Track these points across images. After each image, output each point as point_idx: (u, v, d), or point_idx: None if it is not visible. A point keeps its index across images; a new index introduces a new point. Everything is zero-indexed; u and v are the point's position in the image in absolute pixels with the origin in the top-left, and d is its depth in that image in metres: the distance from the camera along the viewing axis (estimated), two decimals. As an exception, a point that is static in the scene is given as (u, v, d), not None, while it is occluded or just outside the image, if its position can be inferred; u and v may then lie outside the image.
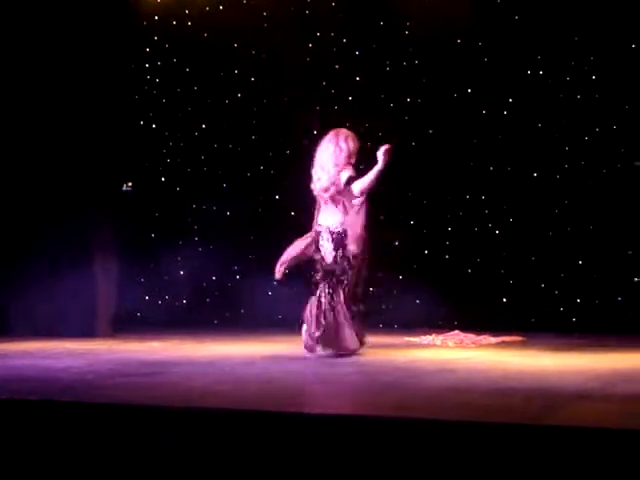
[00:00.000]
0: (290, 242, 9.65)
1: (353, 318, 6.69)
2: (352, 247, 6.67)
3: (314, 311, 6.65)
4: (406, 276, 9.56)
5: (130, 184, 9.97)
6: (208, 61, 10.01)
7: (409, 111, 9.53)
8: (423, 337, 8.14)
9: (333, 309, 6.62)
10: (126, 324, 9.08)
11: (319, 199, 6.85)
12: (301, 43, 9.70)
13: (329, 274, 6.70)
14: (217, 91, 10.03)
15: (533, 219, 9.14)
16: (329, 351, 6.65)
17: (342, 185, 6.69)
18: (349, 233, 6.71)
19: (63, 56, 8.65)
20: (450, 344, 7.80)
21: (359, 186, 6.63)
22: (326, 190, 6.73)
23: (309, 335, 6.71)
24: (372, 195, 6.79)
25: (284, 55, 9.68)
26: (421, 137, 9.51)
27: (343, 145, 6.78)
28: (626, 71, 8.83)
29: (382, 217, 9.56)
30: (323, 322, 6.59)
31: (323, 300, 6.64)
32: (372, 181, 6.59)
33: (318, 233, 6.80)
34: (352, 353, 6.66)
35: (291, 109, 9.82)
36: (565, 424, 3.86)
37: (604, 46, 8.89)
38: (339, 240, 6.70)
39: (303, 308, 6.82)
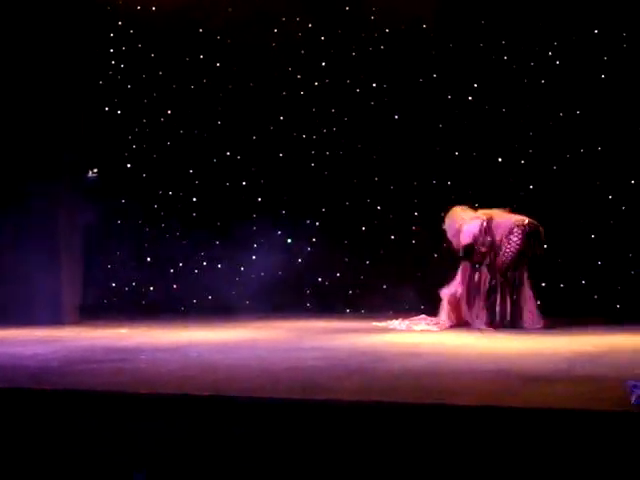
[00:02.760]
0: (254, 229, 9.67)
1: None
2: None
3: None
4: (373, 261, 9.62)
5: (96, 170, 9.91)
6: (173, 46, 9.95)
7: (373, 97, 9.56)
8: (390, 321, 8.20)
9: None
10: (93, 311, 9.06)
11: None
12: (266, 28, 9.68)
13: None
14: (182, 76, 9.99)
15: (499, 204, 9.20)
16: None
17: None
18: None
19: (28, 42, 8.57)
20: (416, 328, 7.86)
21: None
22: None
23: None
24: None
25: (249, 40, 9.66)
26: (385, 122, 9.55)
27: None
28: (590, 56, 8.92)
29: (347, 203, 9.65)
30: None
31: None
32: None
33: None
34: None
35: (256, 94, 9.81)
36: (526, 406, 3.91)
37: (567, 31, 8.97)
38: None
39: None
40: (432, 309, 8.57)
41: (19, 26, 8.56)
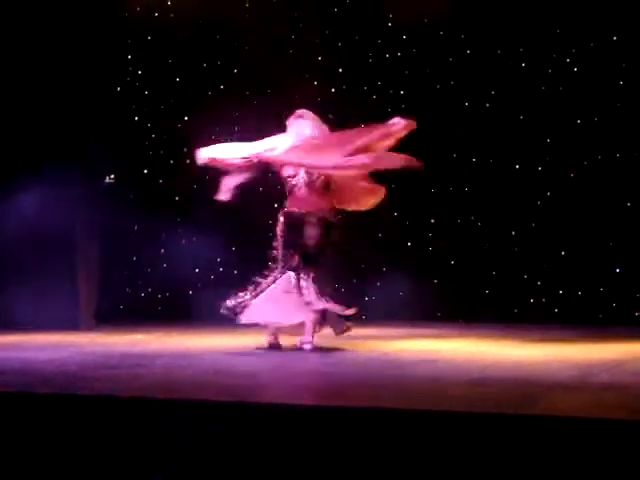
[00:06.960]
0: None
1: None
2: None
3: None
4: (390, 268, 9.58)
5: (113, 176, 9.93)
6: (191, 53, 9.97)
7: (392, 101, 9.53)
8: None
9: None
10: (109, 317, 9.06)
11: None
12: (284, 32, 9.68)
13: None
14: (200, 82, 10.01)
15: (516, 211, 9.17)
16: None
17: None
18: None
19: (47, 52, 8.62)
20: None
21: None
22: None
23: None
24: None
25: (268, 45, 9.65)
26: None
27: None
28: (608, 62, 8.88)
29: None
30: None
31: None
32: None
33: None
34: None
35: (273, 100, 9.79)
36: (544, 414, 3.88)
37: (586, 38, 8.93)
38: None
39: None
40: (448, 316, 8.54)
41: (43, 35, 8.60)
